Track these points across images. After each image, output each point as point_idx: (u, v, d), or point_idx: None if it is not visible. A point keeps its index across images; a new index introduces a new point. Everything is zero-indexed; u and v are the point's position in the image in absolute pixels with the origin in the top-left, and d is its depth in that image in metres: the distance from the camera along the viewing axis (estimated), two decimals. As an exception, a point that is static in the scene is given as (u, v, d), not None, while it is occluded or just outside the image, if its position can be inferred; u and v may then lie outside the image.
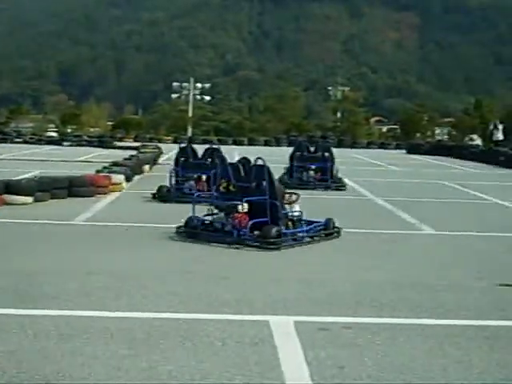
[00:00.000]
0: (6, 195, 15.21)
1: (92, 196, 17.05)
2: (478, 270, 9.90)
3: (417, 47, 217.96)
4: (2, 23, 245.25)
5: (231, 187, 12.05)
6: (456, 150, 43.02)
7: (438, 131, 77.59)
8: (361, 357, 6.02)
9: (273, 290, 8.27)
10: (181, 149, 19.08)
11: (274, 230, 11.09)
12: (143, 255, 10.24)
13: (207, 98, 79.57)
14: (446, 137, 73.77)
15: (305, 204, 12.81)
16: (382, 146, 57.18)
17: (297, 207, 12.29)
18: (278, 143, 56.51)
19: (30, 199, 15.58)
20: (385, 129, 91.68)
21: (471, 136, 55.92)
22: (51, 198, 16.31)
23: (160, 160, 30.78)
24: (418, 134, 70.39)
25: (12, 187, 15.43)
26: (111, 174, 18.83)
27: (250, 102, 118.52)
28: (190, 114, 72.90)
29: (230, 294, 8.06)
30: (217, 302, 7.70)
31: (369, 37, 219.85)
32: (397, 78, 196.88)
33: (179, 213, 13.76)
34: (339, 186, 21.50)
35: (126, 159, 25.00)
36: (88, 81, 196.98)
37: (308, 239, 11.80)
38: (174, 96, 78.46)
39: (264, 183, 11.61)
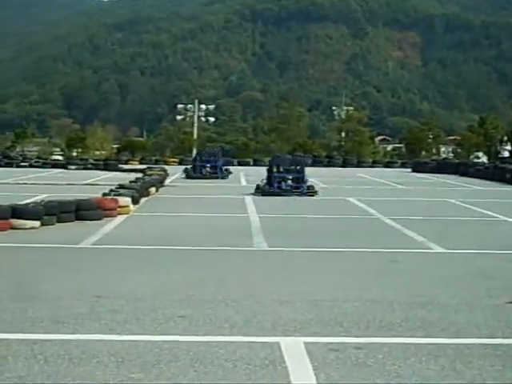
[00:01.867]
0: (13, 219, 15.23)
1: (99, 219, 17.05)
2: (488, 287, 9.86)
3: (420, 66, 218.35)
4: (6, 48, 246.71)
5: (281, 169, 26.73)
6: (461, 168, 42.97)
7: (443, 149, 77.52)
8: (372, 377, 6.00)
9: (282, 311, 8.25)
10: None
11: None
12: (151, 278, 10.23)
13: (212, 119, 79.71)
14: (451, 154, 73.68)
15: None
16: (388, 164, 57.12)
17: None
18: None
19: (37, 223, 15.60)
20: (390, 147, 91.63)
21: (477, 154, 55.97)
22: (58, 222, 16.32)
23: (166, 182, 30.83)
24: (423, 152, 70.32)
25: (19, 211, 15.45)
26: (118, 197, 18.85)
27: (255, 122, 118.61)
28: (195, 136, 72.97)
29: (239, 315, 8.03)
30: (226, 323, 7.68)
31: (372, 56, 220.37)
32: (400, 96, 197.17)
33: (186, 233, 13.77)
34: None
35: (132, 182, 25.03)
36: (92, 104, 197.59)
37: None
38: (178, 118, 78.59)
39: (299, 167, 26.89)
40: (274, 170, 27.36)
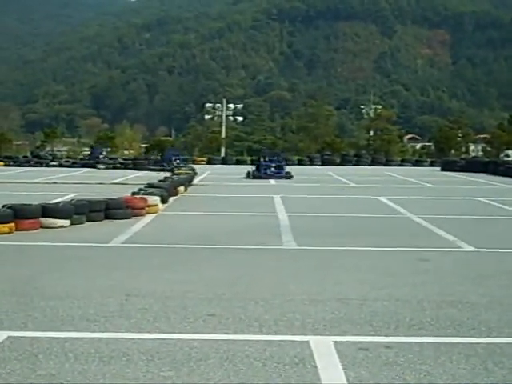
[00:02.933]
0: (43, 218, 15.33)
1: (128, 218, 17.12)
2: (519, 286, 9.79)
3: (449, 64, 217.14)
4: (36, 48, 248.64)
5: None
6: (491, 166, 42.67)
7: (472, 147, 77.13)
8: (403, 376, 5.97)
9: (311, 310, 8.23)
10: None
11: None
12: (181, 276, 10.25)
13: (240, 118, 79.84)
14: (480, 153, 73.26)
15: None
16: (416, 163, 56.85)
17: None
18: (312, 162, 56.44)
19: (67, 222, 15.69)
20: (418, 146, 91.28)
21: (507, 152, 55.53)
22: (88, 221, 16.41)
23: (195, 181, 30.91)
24: (453, 151, 69.96)
25: (49, 211, 15.55)
26: (147, 196, 18.91)
27: (283, 121, 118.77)
28: (223, 135, 73.13)
29: (269, 314, 8.03)
30: (256, 322, 7.68)
31: (400, 54, 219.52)
32: (430, 94, 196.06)
33: (214, 232, 13.79)
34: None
35: (161, 181, 25.09)
36: (121, 104, 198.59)
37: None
38: (206, 117, 78.80)
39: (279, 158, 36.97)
40: (262, 160, 37.43)
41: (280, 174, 35.71)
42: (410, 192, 27.59)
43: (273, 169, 36.61)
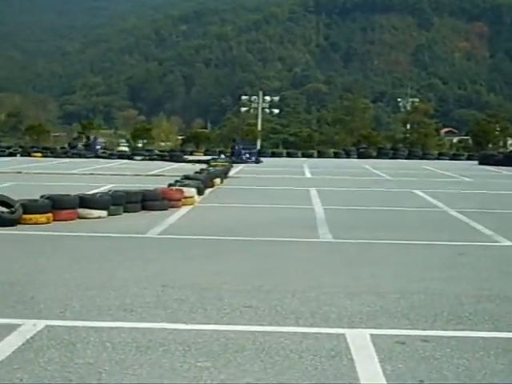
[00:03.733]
0: (80, 209, 15.45)
1: (165, 209, 17.19)
2: (558, 282, 9.68)
3: (487, 57, 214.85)
4: (73, 40, 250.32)
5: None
6: (530, 161, 42.24)
7: (510, 141, 76.27)
8: (441, 370, 5.93)
9: (347, 303, 8.21)
10: None
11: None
12: (217, 268, 10.27)
13: (276, 110, 79.79)
14: (518, 147, 72.47)
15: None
16: (454, 157, 56.39)
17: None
18: (348, 155, 56.26)
19: (104, 213, 15.80)
20: (455, 140, 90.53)
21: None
22: (124, 212, 16.51)
23: (231, 173, 30.96)
24: (490, 145, 69.30)
25: (87, 201, 15.67)
26: (183, 188, 18.97)
27: (319, 114, 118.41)
28: (259, 128, 73.10)
29: (305, 306, 8.02)
30: (292, 314, 7.68)
31: (438, 47, 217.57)
32: (467, 88, 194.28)
33: (251, 224, 13.80)
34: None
35: (197, 173, 25.18)
36: (157, 96, 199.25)
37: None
38: (242, 109, 78.81)
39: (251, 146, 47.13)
40: (236, 147, 46.38)
41: (251, 159, 44.48)
42: (447, 186, 27.40)
43: (247, 155, 45.53)
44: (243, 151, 45.78)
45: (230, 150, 49.55)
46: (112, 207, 16.14)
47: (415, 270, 10.43)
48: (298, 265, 10.70)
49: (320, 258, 11.37)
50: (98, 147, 52.55)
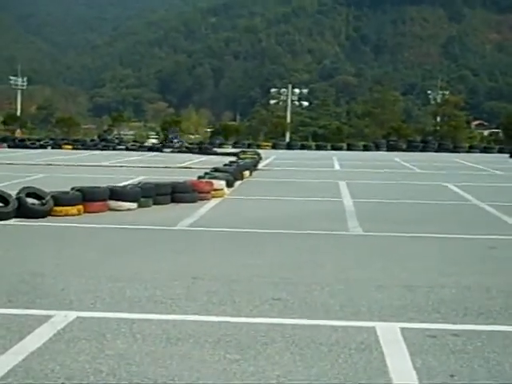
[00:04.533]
0: (111, 201, 15.54)
1: (194, 202, 17.23)
2: None
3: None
4: (103, 33, 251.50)
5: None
6: (562, 154, 41.82)
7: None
8: (471, 364, 5.89)
9: (377, 296, 8.18)
10: None
11: None
12: (246, 260, 10.28)
13: (305, 103, 79.68)
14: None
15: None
16: (485, 150, 55.88)
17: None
18: (378, 148, 56.02)
19: (134, 205, 15.88)
20: (486, 132, 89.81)
21: None
22: (154, 204, 16.57)
23: (260, 166, 30.96)
24: (521, 138, 68.64)
25: (117, 193, 15.75)
26: (213, 180, 19.00)
27: (348, 106, 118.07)
28: (288, 120, 73.04)
29: (335, 299, 8.00)
30: (322, 307, 7.67)
31: (469, 39, 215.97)
32: (498, 80, 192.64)
33: (280, 217, 13.79)
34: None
35: (226, 165, 25.20)
36: (187, 88, 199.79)
37: None
38: (272, 102, 78.78)
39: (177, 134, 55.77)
40: (169, 136, 56.00)
41: (178, 143, 52.27)
42: (478, 179, 27.21)
43: (175, 140, 53.38)
44: (174, 139, 54.76)
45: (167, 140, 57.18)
46: (142, 199, 16.21)
47: (446, 263, 10.37)
48: (327, 258, 10.68)
49: (349, 251, 11.34)
50: (176, 140, 53.74)
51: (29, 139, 54.09)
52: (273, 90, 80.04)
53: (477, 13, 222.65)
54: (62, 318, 7.06)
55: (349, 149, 56.06)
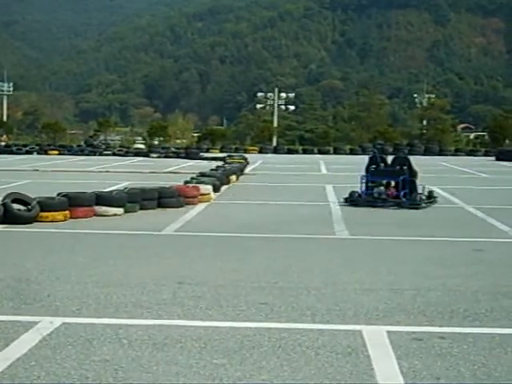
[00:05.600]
0: (97, 206, 15.49)
1: (181, 207, 17.21)
2: None
3: (503, 52, 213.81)
4: (89, 38, 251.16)
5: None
6: (547, 156, 41.98)
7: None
8: (457, 367, 5.90)
9: (364, 300, 8.19)
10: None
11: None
12: (233, 265, 10.27)
13: (291, 107, 79.83)
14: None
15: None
16: (471, 153, 56.15)
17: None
18: (364, 152, 56.05)
19: (120, 210, 15.83)
20: (472, 136, 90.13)
21: None
22: (141, 209, 16.53)
23: (246, 170, 30.95)
24: (507, 141, 68.91)
25: (103, 199, 15.71)
26: (199, 185, 18.98)
27: (335, 110, 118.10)
28: (275, 124, 73.13)
29: (321, 303, 8.00)
30: (308, 311, 7.66)
31: (454, 43, 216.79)
32: (484, 83, 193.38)
33: (267, 221, 13.78)
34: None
35: (213, 170, 25.19)
36: (173, 93, 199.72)
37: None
38: (258, 106, 78.87)
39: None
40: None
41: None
42: (464, 182, 27.30)
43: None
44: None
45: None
46: (128, 204, 16.16)
47: (432, 266, 10.39)
48: (314, 261, 10.68)
49: (336, 255, 11.35)
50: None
51: (15, 145, 53.99)
52: (259, 94, 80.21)
53: (462, 17, 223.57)
54: (47, 324, 7.03)
55: (335, 152, 56.19)
